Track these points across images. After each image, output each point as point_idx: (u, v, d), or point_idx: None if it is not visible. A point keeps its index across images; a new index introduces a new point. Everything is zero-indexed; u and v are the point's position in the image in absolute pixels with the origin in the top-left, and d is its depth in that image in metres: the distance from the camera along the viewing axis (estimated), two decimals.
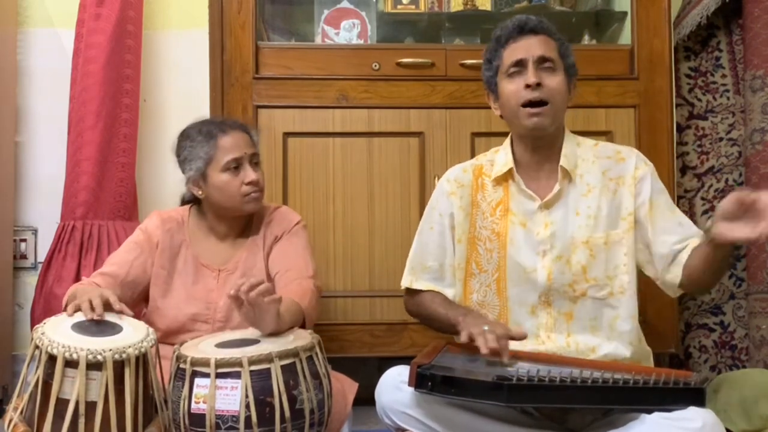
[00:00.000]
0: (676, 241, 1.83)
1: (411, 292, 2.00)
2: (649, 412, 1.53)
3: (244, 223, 2.10)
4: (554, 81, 1.82)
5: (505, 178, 1.90)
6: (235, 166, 1.99)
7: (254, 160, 2.03)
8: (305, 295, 1.91)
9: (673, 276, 1.82)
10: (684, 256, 1.80)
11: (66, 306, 1.79)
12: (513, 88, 1.83)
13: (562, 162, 1.85)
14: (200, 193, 2.04)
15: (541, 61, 1.81)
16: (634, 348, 1.85)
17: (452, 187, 1.95)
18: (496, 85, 1.89)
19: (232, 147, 1.99)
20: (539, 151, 1.87)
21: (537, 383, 1.52)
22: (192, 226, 2.10)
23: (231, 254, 2.07)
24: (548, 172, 1.88)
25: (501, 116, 1.91)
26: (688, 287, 1.84)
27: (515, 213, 1.88)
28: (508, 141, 1.94)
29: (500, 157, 1.94)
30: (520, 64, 1.82)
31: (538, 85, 1.79)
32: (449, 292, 1.93)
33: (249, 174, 1.99)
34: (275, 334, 1.74)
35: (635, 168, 1.86)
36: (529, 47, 1.83)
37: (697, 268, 1.77)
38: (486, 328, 1.66)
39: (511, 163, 1.89)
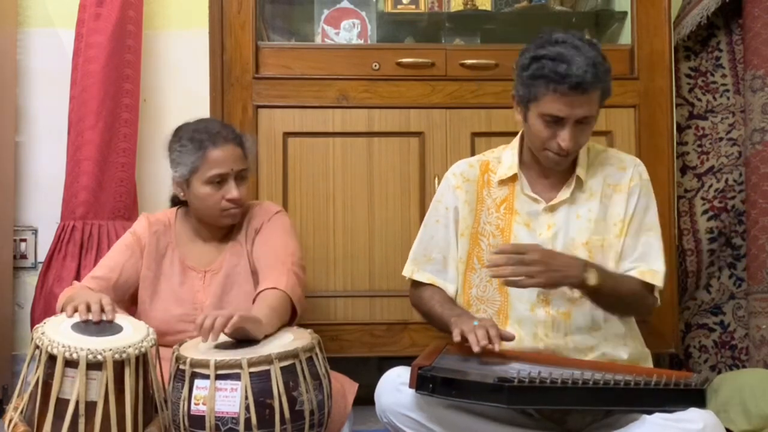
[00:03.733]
0: (630, 261, 1.85)
1: (415, 285, 2.00)
2: (650, 413, 1.54)
3: (228, 226, 2.09)
4: (586, 134, 1.79)
5: (511, 179, 1.91)
6: (219, 181, 1.97)
7: (241, 176, 2.00)
8: (281, 277, 1.89)
9: None
10: None
11: (62, 309, 1.80)
12: (545, 134, 1.77)
13: (579, 172, 1.86)
14: (182, 195, 2.05)
15: (581, 119, 1.75)
16: (631, 350, 1.85)
17: (458, 181, 1.95)
18: (526, 108, 1.80)
19: (219, 162, 1.96)
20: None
21: (538, 385, 1.53)
22: (178, 228, 2.11)
23: (216, 255, 2.07)
24: (557, 176, 1.89)
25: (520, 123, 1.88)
26: None
27: (519, 213, 1.89)
28: (517, 141, 1.94)
29: (507, 156, 1.93)
30: (558, 119, 1.75)
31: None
32: (451, 288, 1.94)
33: (231, 191, 1.97)
34: (271, 333, 1.75)
35: (630, 179, 1.88)
36: (574, 107, 1.73)
37: None
38: (476, 323, 1.68)
39: (516, 168, 1.89)
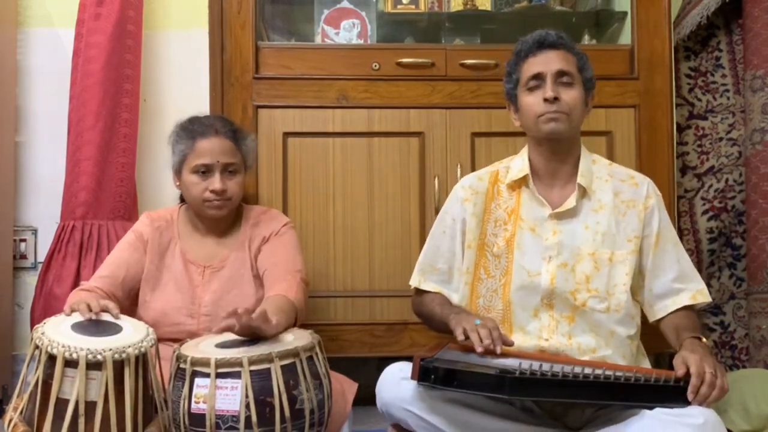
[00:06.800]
0: (671, 278, 1.88)
1: (418, 293, 2.03)
2: (651, 408, 1.54)
3: (228, 222, 2.13)
4: (571, 95, 1.86)
5: (519, 184, 1.94)
6: (204, 171, 2.03)
7: (229, 169, 2.05)
8: (291, 288, 1.95)
9: (655, 312, 1.90)
10: (670, 308, 1.87)
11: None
12: (532, 101, 1.87)
13: (580, 180, 1.89)
14: (177, 185, 2.11)
15: (560, 75, 1.86)
16: (628, 362, 1.85)
17: (466, 194, 1.97)
18: (516, 97, 1.93)
19: (206, 152, 2.03)
20: (555, 158, 1.90)
21: (539, 377, 1.54)
22: (181, 223, 2.15)
23: (216, 252, 2.10)
24: (563, 183, 1.91)
25: (520, 125, 1.95)
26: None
27: (525, 219, 1.91)
28: (525, 148, 1.97)
29: (516, 162, 1.97)
30: (539, 78, 1.87)
31: (556, 99, 1.83)
32: (455, 297, 1.96)
33: (215, 182, 2.02)
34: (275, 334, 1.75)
35: (647, 196, 1.91)
36: (548, 61, 1.87)
37: (667, 335, 1.86)
38: (478, 322, 1.69)
39: (527, 170, 1.92)
